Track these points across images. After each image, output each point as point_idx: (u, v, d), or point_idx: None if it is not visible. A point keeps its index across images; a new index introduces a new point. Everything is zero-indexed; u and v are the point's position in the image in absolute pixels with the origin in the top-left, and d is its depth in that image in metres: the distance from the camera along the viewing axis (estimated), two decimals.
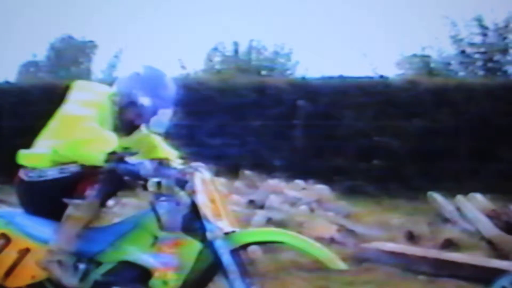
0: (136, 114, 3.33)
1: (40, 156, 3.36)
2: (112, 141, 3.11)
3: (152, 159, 3.28)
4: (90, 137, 3.11)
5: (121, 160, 3.07)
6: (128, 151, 3.24)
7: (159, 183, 3.12)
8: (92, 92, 3.44)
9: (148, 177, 3.10)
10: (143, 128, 3.50)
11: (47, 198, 3.31)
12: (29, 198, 3.42)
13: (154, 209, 3.18)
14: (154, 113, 3.30)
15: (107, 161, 3.07)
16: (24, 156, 3.43)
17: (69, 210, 3.22)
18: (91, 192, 3.19)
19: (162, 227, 3.14)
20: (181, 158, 3.67)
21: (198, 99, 12.51)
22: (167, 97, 3.35)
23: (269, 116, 12.17)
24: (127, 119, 3.37)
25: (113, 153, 3.07)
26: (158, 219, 3.15)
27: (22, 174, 3.41)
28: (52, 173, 3.29)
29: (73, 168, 3.26)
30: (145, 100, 3.28)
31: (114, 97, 3.37)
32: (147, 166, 3.07)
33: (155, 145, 3.69)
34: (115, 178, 3.16)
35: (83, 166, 3.24)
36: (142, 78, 3.36)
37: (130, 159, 3.11)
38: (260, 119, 12.14)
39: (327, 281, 5.46)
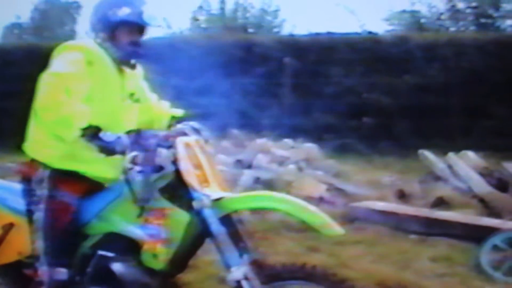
0: (127, 30, 3.11)
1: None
2: (84, 115, 2.85)
3: (130, 132, 3.06)
4: (60, 115, 2.84)
5: (95, 135, 2.84)
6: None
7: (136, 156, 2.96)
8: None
9: (124, 151, 2.91)
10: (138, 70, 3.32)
11: None
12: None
13: (127, 181, 3.01)
14: (140, 15, 3.08)
15: (82, 136, 2.83)
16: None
17: None
18: None
19: (135, 200, 2.96)
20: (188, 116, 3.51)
21: (184, 59, 12.32)
22: None
23: (256, 74, 11.97)
24: (124, 43, 3.13)
25: (88, 128, 2.83)
26: (132, 191, 2.98)
27: (31, 168, 3.17)
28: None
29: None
30: (126, 10, 3.08)
31: (98, 36, 3.15)
32: (123, 142, 2.86)
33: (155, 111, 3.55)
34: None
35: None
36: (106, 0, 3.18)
37: (106, 135, 2.86)
38: (248, 78, 11.94)
39: (317, 241, 5.37)
